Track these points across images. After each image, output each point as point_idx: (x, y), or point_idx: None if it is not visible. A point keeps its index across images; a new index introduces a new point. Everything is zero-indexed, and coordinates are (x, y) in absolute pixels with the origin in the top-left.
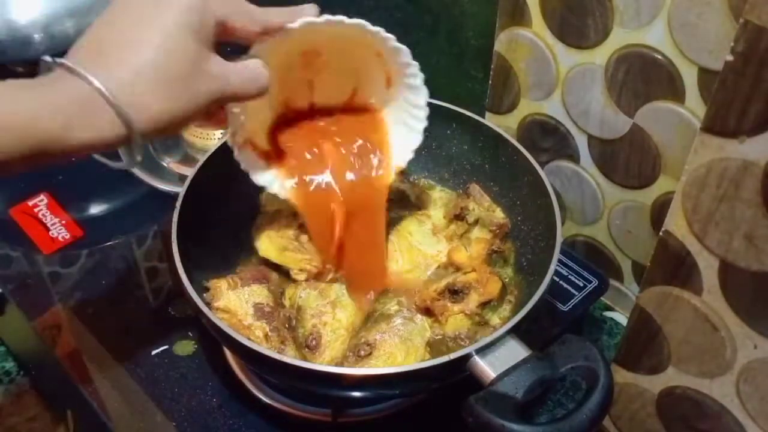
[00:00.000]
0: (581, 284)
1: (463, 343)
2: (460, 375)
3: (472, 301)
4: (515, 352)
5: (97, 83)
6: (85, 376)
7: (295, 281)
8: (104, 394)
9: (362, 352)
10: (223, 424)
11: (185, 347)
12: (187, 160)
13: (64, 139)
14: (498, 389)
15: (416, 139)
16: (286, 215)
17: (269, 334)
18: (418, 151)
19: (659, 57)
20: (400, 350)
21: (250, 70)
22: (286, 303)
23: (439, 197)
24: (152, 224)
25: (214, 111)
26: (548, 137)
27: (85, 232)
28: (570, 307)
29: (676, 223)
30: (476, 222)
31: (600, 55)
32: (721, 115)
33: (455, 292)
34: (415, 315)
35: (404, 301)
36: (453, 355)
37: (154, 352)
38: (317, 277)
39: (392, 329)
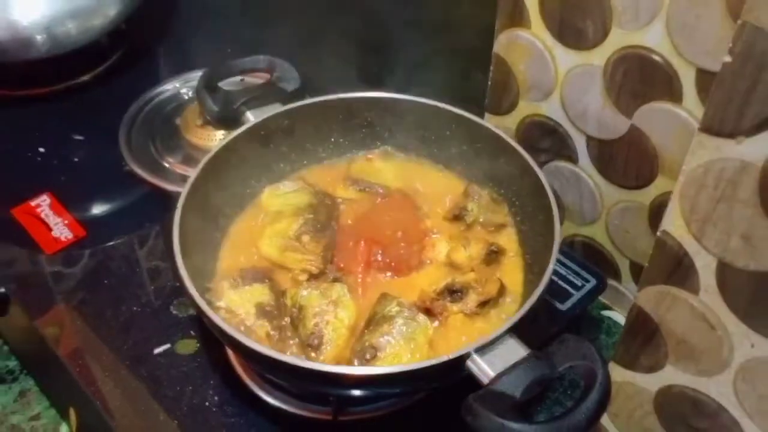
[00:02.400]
0: (579, 284)
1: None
2: (459, 374)
3: (471, 300)
4: (514, 351)
5: None
6: (88, 375)
7: (296, 281)
8: (107, 392)
9: (368, 356)
10: (224, 422)
11: (187, 346)
12: (189, 160)
13: None
14: (497, 388)
15: None
16: (288, 215)
17: (271, 333)
18: (417, 152)
19: (657, 58)
20: (405, 350)
21: None
22: (288, 302)
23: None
24: (154, 224)
25: None
26: (547, 138)
27: (88, 231)
28: (568, 306)
29: (673, 223)
30: (474, 222)
31: (599, 56)
32: (718, 115)
33: (454, 292)
34: (417, 314)
35: (404, 302)
36: (452, 355)
37: (156, 351)
38: (318, 277)
39: (395, 330)
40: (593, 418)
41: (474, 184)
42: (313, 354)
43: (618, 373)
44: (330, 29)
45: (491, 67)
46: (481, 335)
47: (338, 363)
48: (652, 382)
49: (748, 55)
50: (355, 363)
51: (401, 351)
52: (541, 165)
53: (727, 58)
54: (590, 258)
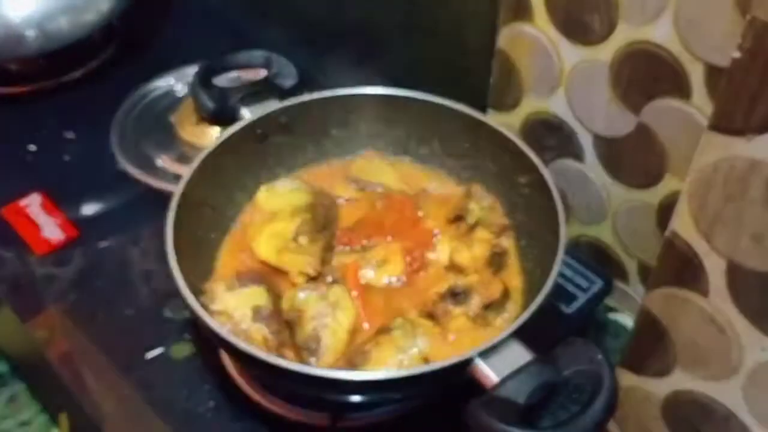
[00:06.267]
0: (586, 285)
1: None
2: (462, 379)
3: (474, 303)
4: (518, 355)
5: None
6: (79, 380)
7: (294, 283)
8: (98, 397)
9: (356, 361)
10: (219, 427)
11: (181, 350)
12: (183, 158)
13: None
14: (500, 393)
15: None
16: (285, 215)
17: (268, 337)
18: (418, 150)
19: (665, 54)
20: (393, 361)
21: None
22: (285, 305)
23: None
24: (147, 224)
25: None
26: (552, 135)
27: (79, 232)
28: (574, 309)
29: (682, 224)
30: (477, 223)
31: (605, 52)
32: (727, 112)
33: (456, 295)
34: (417, 329)
35: (410, 317)
36: (455, 359)
37: (149, 355)
38: (316, 279)
39: (389, 340)
40: (600, 423)
41: (476, 184)
42: (311, 358)
43: (625, 378)
44: (329, 24)
45: (494, 63)
46: (484, 339)
47: (337, 368)
48: (660, 387)
49: (757, 51)
50: (344, 367)
51: (389, 360)
52: (546, 163)
53: (736, 54)
54: (596, 259)
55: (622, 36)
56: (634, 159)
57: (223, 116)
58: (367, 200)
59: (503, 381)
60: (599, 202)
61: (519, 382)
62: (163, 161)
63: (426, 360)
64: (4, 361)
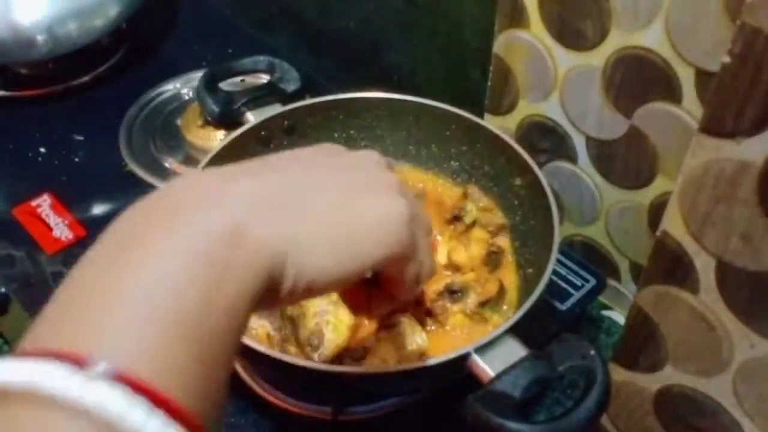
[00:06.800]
0: (579, 283)
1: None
2: (459, 374)
3: (471, 300)
4: (514, 351)
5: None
6: None
7: None
8: None
9: (356, 355)
10: (225, 422)
11: None
12: (190, 160)
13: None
14: (497, 388)
15: None
16: None
17: (271, 333)
18: (417, 153)
19: (656, 59)
20: (393, 357)
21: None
22: None
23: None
24: None
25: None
26: (546, 138)
27: (88, 231)
28: (568, 306)
29: (673, 224)
30: (474, 223)
31: (598, 57)
32: (717, 116)
33: (454, 292)
34: (416, 328)
35: (408, 314)
36: (452, 354)
37: None
38: None
39: (389, 337)
40: (593, 418)
41: (473, 185)
42: (313, 354)
43: (618, 373)
44: (331, 31)
45: (491, 68)
46: (481, 335)
47: (339, 363)
48: (651, 382)
49: (746, 56)
50: (345, 360)
51: (389, 357)
52: (540, 165)
53: (726, 59)
54: (590, 258)
55: (615, 42)
56: (626, 161)
57: (228, 120)
58: None
59: (499, 376)
60: (592, 202)
61: (514, 376)
62: (169, 163)
63: (424, 355)
64: None
